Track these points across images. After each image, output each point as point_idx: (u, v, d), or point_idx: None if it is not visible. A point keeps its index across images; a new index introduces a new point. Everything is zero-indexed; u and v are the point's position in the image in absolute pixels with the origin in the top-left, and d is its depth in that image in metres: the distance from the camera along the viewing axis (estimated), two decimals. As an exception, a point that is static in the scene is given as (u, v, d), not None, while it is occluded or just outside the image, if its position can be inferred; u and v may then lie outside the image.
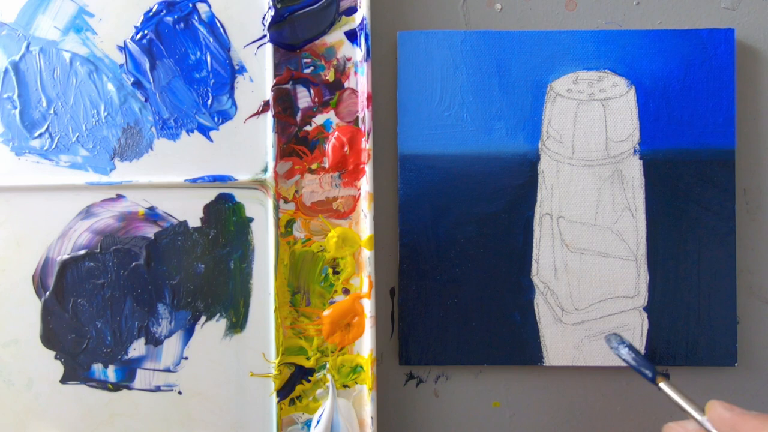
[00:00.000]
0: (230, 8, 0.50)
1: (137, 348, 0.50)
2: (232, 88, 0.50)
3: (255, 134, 0.50)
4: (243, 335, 0.50)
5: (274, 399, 0.49)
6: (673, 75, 0.50)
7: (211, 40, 0.50)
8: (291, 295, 0.50)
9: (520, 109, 0.50)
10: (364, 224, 0.49)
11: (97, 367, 0.50)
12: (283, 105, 0.50)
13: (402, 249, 0.50)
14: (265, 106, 0.50)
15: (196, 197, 0.50)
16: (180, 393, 0.50)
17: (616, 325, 0.50)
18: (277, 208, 0.49)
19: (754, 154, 0.50)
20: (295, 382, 0.50)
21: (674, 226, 0.50)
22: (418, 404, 0.51)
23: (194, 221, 0.50)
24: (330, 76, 0.50)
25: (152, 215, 0.50)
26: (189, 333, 0.50)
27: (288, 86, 0.50)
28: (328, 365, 0.50)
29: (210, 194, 0.50)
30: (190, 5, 0.50)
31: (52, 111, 0.50)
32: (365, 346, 0.49)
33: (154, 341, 0.50)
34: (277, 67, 0.49)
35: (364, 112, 0.49)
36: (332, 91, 0.50)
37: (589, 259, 0.50)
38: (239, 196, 0.50)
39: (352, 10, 0.50)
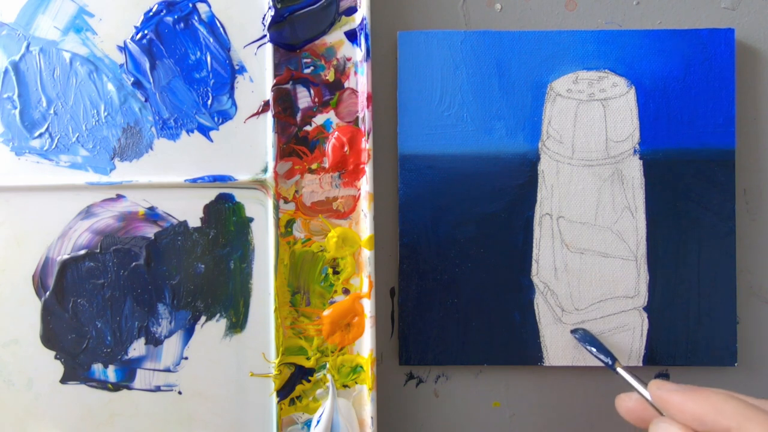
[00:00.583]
0: (230, 8, 0.50)
1: (137, 348, 0.50)
2: (232, 88, 0.50)
3: (255, 134, 0.50)
4: (243, 335, 0.50)
5: (274, 399, 0.49)
6: (673, 75, 0.50)
7: (211, 40, 0.50)
8: (291, 295, 0.50)
9: (520, 109, 0.50)
10: (364, 224, 0.49)
11: (97, 367, 0.50)
12: (283, 105, 0.50)
13: (402, 249, 0.50)
14: (265, 106, 0.50)
15: (196, 197, 0.50)
16: (180, 393, 0.50)
17: (616, 325, 0.50)
18: (277, 208, 0.49)
19: (754, 154, 0.50)
20: (295, 382, 0.50)
21: (674, 226, 0.50)
22: (418, 404, 0.51)
23: (194, 221, 0.50)
24: (330, 76, 0.50)
25: (152, 215, 0.50)
26: (189, 333, 0.50)
27: (288, 86, 0.50)
28: (328, 365, 0.50)
29: (210, 194, 0.50)
30: (190, 5, 0.50)
31: (52, 111, 0.50)
32: (365, 346, 0.49)
33: (154, 341, 0.50)
34: (277, 67, 0.49)
35: (364, 112, 0.49)
36: (332, 91, 0.50)
37: (589, 259, 0.50)
38: (239, 196, 0.50)
39: (352, 10, 0.50)
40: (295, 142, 0.50)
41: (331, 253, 0.50)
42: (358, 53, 0.49)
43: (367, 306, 0.49)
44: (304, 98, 0.50)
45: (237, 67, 0.50)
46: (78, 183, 0.50)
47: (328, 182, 0.50)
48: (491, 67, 0.50)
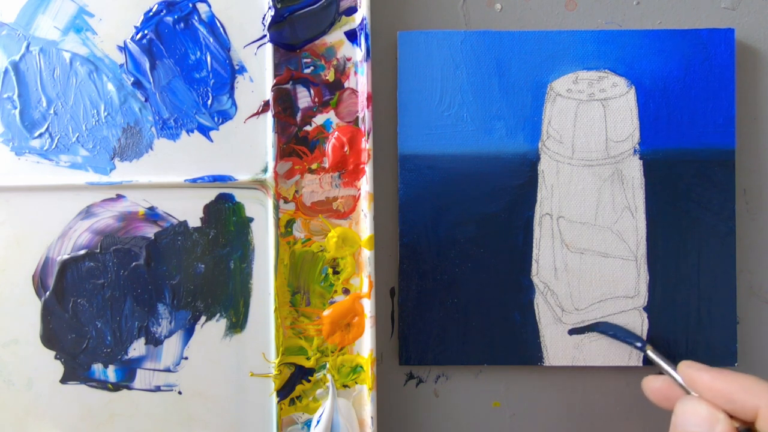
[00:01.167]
0: (230, 8, 0.50)
1: (137, 348, 0.50)
2: (232, 88, 0.50)
3: (255, 134, 0.50)
4: (243, 335, 0.50)
5: (274, 399, 0.49)
6: (673, 75, 0.50)
7: (211, 40, 0.50)
8: (291, 295, 0.50)
9: (520, 109, 0.50)
10: (364, 224, 0.49)
11: (97, 367, 0.50)
12: (283, 105, 0.50)
13: (402, 249, 0.50)
14: (265, 106, 0.50)
15: (196, 197, 0.50)
16: (180, 393, 0.50)
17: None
18: (277, 208, 0.49)
19: (754, 154, 0.50)
20: (295, 382, 0.50)
21: (674, 226, 0.50)
22: (418, 404, 0.51)
23: (194, 221, 0.50)
24: (330, 76, 0.50)
25: (152, 215, 0.50)
26: (189, 333, 0.50)
27: (288, 86, 0.50)
28: (328, 365, 0.50)
29: (210, 194, 0.50)
30: (190, 5, 0.50)
31: (52, 111, 0.50)
32: (365, 346, 0.49)
33: (154, 341, 0.50)
34: (277, 67, 0.49)
35: (364, 112, 0.49)
36: (332, 91, 0.50)
37: (589, 259, 0.50)
38: (239, 196, 0.50)
39: (352, 10, 0.50)
40: (295, 142, 0.50)
41: (331, 253, 0.50)
42: (358, 53, 0.49)
43: (367, 306, 0.49)
44: (304, 98, 0.50)
45: (237, 67, 0.50)
46: (78, 183, 0.50)
47: (328, 182, 0.50)
48: (491, 67, 0.50)
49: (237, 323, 0.50)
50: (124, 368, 0.50)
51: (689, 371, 0.40)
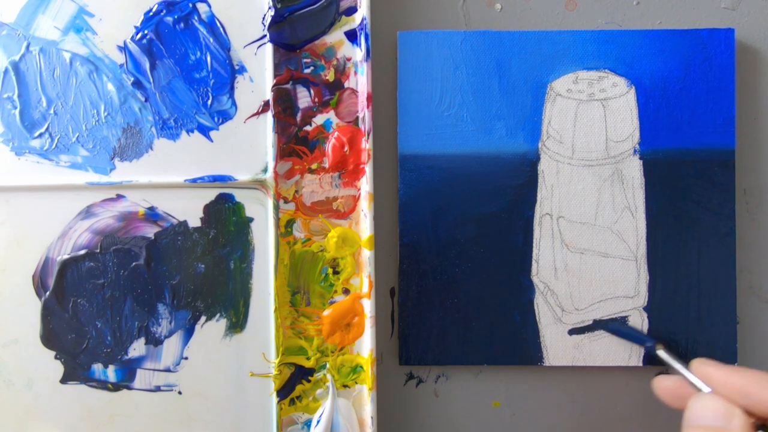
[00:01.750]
0: (230, 8, 0.50)
1: (137, 348, 0.50)
2: (232, 88, 0.50)
3: (255, 134, 0.50)
4: (243, 335, 0.50)
5: (274, 399, 0.49)
6: (673, 75, 0.50)
7: (211, 40, 0.50)
8: (291, 295, 0.50)
9: (520, 109, 0.50)
10: (364, 224, 0.49)
11: (97, 367, 0.50)
12: (283, 105, 0.50)
13: (402, 249, 0.50)
14: (265, 106, 0.50)
15: (196, 197, 0.50)
16: (180, 393, 0.50)
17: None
18: (277, 208, 0.49)
19: (754, 154, 0.50)
20: (295, 382, 0.50)
21: (674, 226, 0.50)
22: (418, 404, 0.51)
23: (194, 221, 0.50)
24: (330, 76, 0.50)
25: (152, 215, 0.50)
26: (189, 333, 0.50)
27: (288, 86, 0.50)
28: (328, 365, 0.50)
29: (210, 194, 0.50)
30: (190, 5, 0.50)
31: (52, 111, 0.50)
32: (365, 346, 0.49)
33: (154, 341, 0.50)
34: (277, 67, 0.49)
35: (364, 112, 0.49)
36: (332, 91, 0.50)
37: (589, 259, 0.50)
38: (239, 196, 0.50)
39: (352, 10, 0.50)
40: (295, 142, 0.50)
41: (331, 253, 0.50)
42: (358, 53, 0.49)
43: (367, 306, 0.49)
44: (304, 98, 0.50)
45: (237, 67, 0.50)
46: (78, 183, 0.50)
47: (328, 182, 0.50)
48: (491, 67, 0.50)
49: (237, 323, 0.50)
50: (124, 368, 0.50)
51: (703, 368, 0.41)
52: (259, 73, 0.50)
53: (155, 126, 0.50)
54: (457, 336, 0.50)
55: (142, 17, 0.50)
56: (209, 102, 0.50)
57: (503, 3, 0.51)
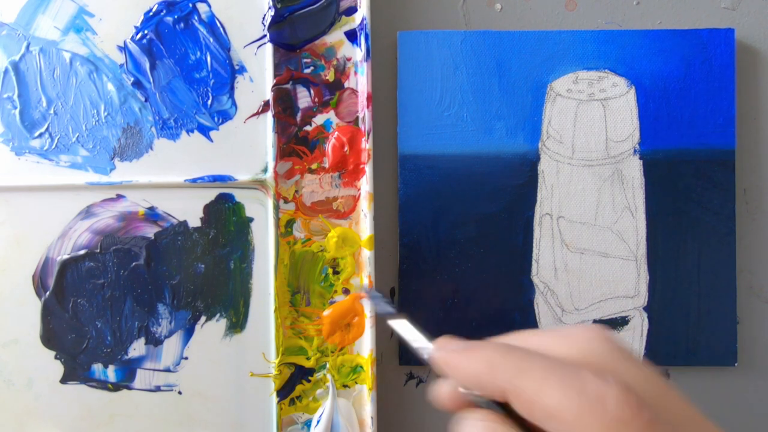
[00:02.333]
0: (230, 8, 0.50)
1: (137, 348, 0.50)
2: (232, 88, 0.50)
3: (255, 134, 0.50)
4: (243, 335, 0.50)
5: (274, 399, 0.49)
6: (673, 75, 0.50)
7: (211, 40, 0.50)
8: (291, 295, 0.50)
9: (520, 109, 0.50)
10: (364, 224, 0.49)
11: (97, 367, 0.50)
12: (283, 105, 0.50)
13: (402, 249, 0.50)
14: (265, 106, 0.50)
15: (196, 197, 0.50)
16: (180, 393, 0.50)
17: (616, 325, 0.50)
18: (277, 208, 0.49)
19: (754, 154, 0.50)
20: (295, 382, 0.50)
21: (674, 226, 0.50)
22: (418, 404, 0.51)
23: (194, 221, 0.50)
24: (330, 76, 0.50)
25: (152, 215, 0.50)
26: (189, 333, 0.50)
27: (288, 86, 0.50)
28: (328, 365, 0.50)
29: (210, 194, 0.50)
30: (190, 5, 0.50)
31: (52, 111, 0.50)
32: (365, 346, 0.49)
33: (154, 341, 0.50)
34: (277, 67, 0.49)
35: (364, 112, 0.49)
36: (332, 91, 0.50)
37: (589, 259, 0.50)
38: (239, 196, 0.50)
39: (352, 10, 0.50)
40: (295, 142, 0.50)
41: (331, 253, 0.50)
42: (358, 53, 0.49)
43: (367, 306, 0.49)
44: (304, 98, 0.50)
45: (237, 67, 0.50)
46: (78, 183, 0.50)
47: (328, 182, 0.50)
48: (491, 67, 0.50)
49: (237, 323, 0.50)
50: (124, 368, 0.50)
51: (442, 354, 0.31)
52: (259, 73, 0.50)
53: (155, 126, 0.50)
54: (457, 336, 0.50)
55: (142, 17, 0.50)
56: (209, 102, 0.50)
57: (503, 3, 0.51)
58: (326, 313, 0.50)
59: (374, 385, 0.49)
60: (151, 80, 0.50)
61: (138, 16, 0.50)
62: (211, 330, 0.50)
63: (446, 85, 0.50)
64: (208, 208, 0.50)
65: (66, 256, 0.50)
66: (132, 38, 0.50)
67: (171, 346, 0.50)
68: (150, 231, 0.50)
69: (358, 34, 0.49)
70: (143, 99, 0.50)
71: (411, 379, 0.51)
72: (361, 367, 0.50)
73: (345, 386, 0.50)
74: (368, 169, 0.49)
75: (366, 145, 0.49)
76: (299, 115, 0.50)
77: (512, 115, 0.50)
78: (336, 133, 0.50)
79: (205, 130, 0.50)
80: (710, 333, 0.49)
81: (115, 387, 0.50)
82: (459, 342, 0.32)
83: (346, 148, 0.49)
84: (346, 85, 0.50)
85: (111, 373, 0.50)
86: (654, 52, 0.49)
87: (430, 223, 0.50)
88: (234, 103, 0.50)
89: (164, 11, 0.50)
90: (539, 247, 0.50)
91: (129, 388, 0.50)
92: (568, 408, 0.24)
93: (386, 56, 0.51)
